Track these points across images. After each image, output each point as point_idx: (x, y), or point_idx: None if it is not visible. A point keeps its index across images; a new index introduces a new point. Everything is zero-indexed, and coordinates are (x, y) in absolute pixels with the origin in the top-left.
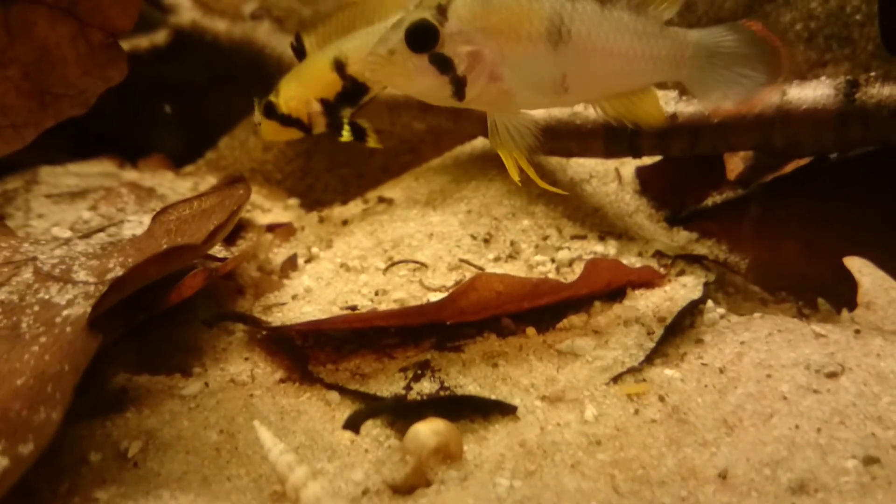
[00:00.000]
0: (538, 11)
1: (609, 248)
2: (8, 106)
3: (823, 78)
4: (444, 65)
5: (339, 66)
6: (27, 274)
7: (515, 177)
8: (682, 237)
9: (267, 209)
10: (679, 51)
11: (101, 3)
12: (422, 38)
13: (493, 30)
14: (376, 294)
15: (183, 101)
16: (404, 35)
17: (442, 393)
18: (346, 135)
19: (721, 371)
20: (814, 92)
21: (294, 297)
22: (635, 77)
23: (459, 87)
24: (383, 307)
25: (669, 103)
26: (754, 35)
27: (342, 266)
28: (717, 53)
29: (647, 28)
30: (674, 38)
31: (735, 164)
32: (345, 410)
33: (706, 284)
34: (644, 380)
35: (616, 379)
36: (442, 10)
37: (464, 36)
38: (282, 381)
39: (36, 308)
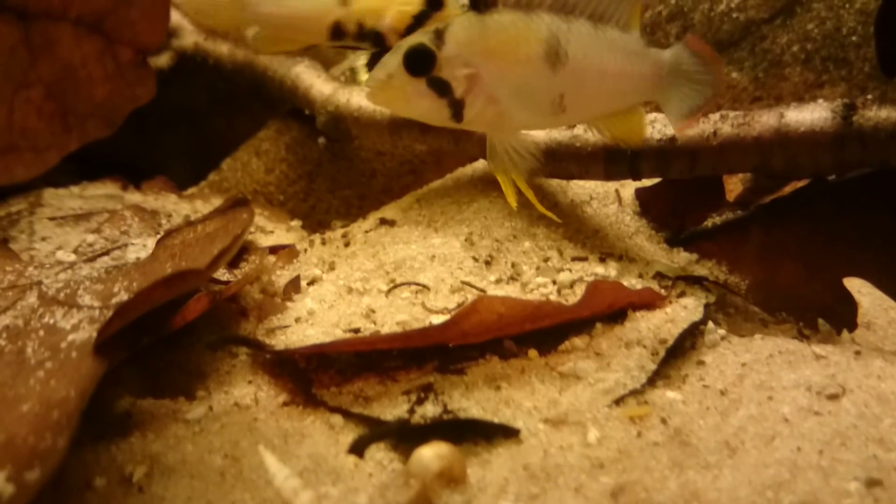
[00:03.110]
0: (536, 33)
1: (610, 270)
2: (29, 129)
3: (821, 101)
4: (441, 88)
5: None
6: (32, 298)
7: (512, 201)
8: (682, 258)
9: (269, 231)
10: (658, 69)
11: (129, 18)
12: (419, 62)
13: (490, 52)
14: (379, 316)
15: (186, 124)
16: (402, 59)
17: (445, 416)
18: None
19: (723, 393)
20: (811, 115)
21: (297, 320)
22: (625, 96)
23: (457, 109)
24: (386, 329)
25: (668, 126)
26: (695, 49)
27: (345, 288)
28: (680, 71)
29: (634, 47)
30: (654, 58)
31: (734, 185)
32: (348, 434)
33: (707, 306)
34: (646, 402)
35: (618, 401)
36: (439, 35)
37: (461, 59)
38: (286, 404)
39: (41, 333)
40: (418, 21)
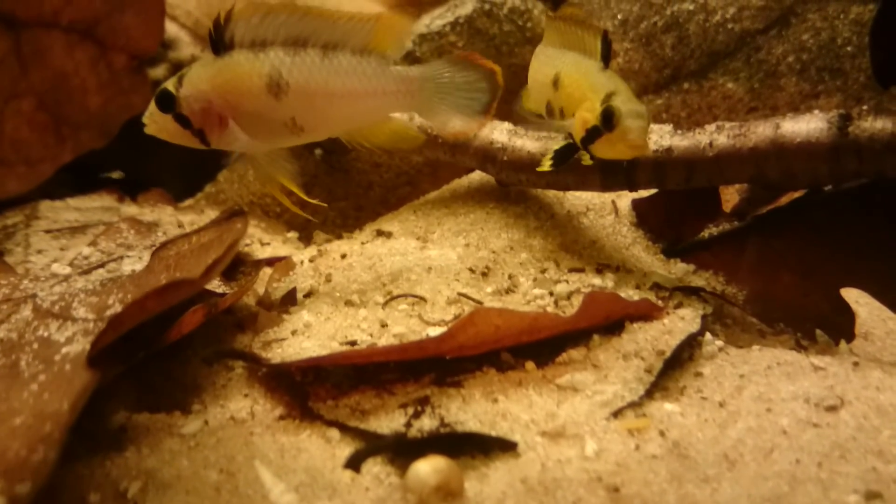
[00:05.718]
0: (258, 70)
1: (607, 281)
2: (21, 141)
3: (816, 111)
4: (183, 121)
5: None
6: (26, 311)
7: (288, 203)
8: (679, 269)
9: (266, 243)
10: (405, 85)
11: (123, 23)
12: (163, 102)
13: (219, 89)
14: (376, 328)
15: None
16: (154, 100)
17: (442, 430)
18: None
19: (721, 405)
20: (807, 125)
21: (293, 333)
22: (369, 111)
23: (201, 136)
24: (383, 342)
25: (665, 137)
26: (468, 62)
27: (341, 300)
28: (442, 83)
29: (370, 69)
30: (398, 76)
31: (730, 196)
32: (345, 448)
33: (704, 317)
34: (644, 414)
35: (616, 414)
36: (180, 78)
37: (195, 97)
38: (282, 417)
39: (35, 346)
40: (590, 135)
